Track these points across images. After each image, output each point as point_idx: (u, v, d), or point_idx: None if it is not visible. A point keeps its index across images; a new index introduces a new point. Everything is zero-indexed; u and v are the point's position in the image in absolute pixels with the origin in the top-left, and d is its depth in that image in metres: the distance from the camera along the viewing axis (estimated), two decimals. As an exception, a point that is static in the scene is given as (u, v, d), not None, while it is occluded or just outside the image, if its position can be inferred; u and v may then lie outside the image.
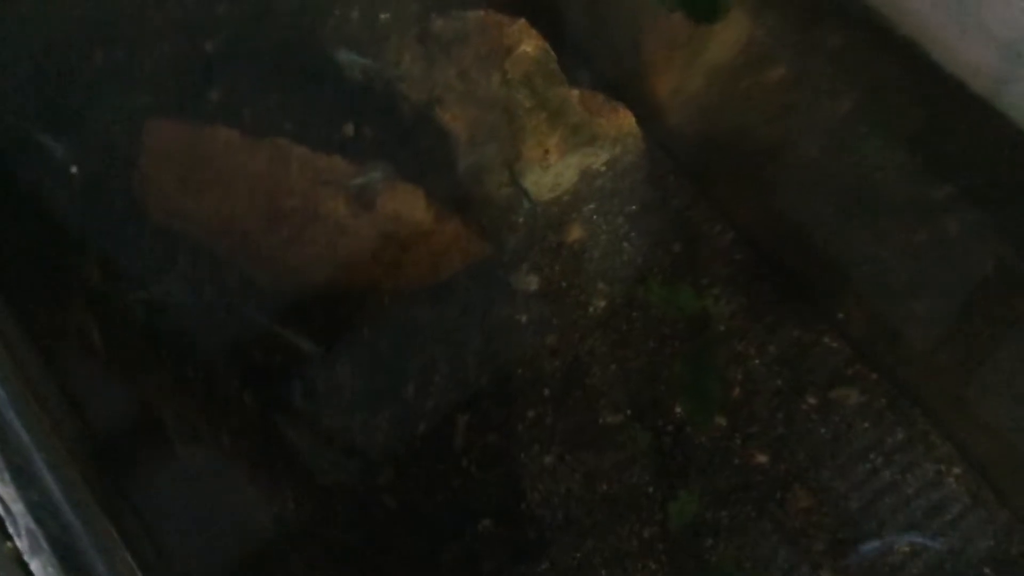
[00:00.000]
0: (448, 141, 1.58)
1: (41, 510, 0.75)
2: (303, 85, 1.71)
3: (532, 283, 1.57)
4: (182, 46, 1.76)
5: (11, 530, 0.74)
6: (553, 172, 1.58)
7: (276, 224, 1.37)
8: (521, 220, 1.61)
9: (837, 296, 1.52)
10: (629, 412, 1.49)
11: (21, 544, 0.74)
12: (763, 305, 1.55)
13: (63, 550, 0.75)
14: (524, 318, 1.57)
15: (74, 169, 1.59)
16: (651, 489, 1.44)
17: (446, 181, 1.61)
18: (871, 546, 1.36)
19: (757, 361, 1.51)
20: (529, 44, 1.41)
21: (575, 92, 1.50)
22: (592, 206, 1.62)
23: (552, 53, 1.44)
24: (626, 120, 1.59)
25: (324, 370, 1.54)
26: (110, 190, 1.67)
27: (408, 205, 1.40)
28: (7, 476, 0.76)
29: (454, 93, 1.50)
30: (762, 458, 1.45)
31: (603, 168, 1.63)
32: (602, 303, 1.57)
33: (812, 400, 1.48)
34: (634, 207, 1.62)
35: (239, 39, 1.76)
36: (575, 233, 1.60)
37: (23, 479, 0.78)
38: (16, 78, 1.71)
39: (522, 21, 1.44)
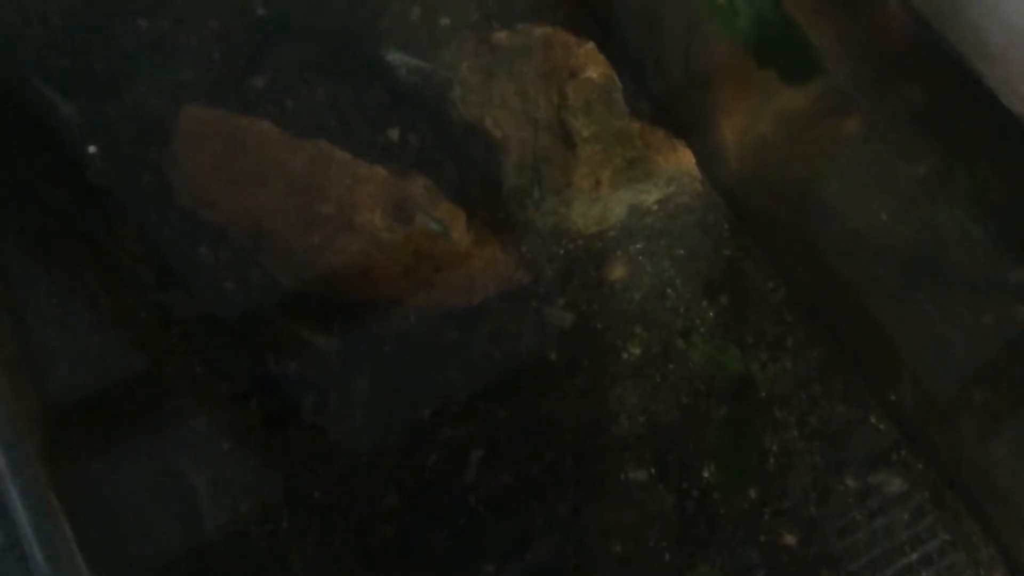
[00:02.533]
0: (496, 159, 1.49)
1: (9, 552, 0.67)
2: (352, 80, 1.63)
3: (567, 319, 1.49)
4: (231, 25, 1.68)
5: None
6: (602, 205, 1.49)
7: (308, 228, 1.30)
8: (562, 252, 1.52)
9: (890, 374, 1.42)
10: (654, 470, 1.40)
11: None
12: (810, 373, 1.46)
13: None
14: (554, 355, 1.48)
15: (93, 149, 1.51)
16: (668, 556, 1.35)
17: (489, 201, 1.53)
18: None
19: (796, 433, 1.42)
20: (595, 70, 1.32)
21: (636, 125, 1.41)
22: (638, 245, 1.53)
23: (617, 82, 1.36)
24: (685, 159, 1.50)
25: (339, 384, 1.46)
26: (138, 166, 1.59)
27: (448, 225, 1.32)
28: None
29: (509, 110, 1.42)
30: (790, 538, 1.36)
31: (654, 206, 1.54)
32: (637, 350, 1.48)
33: (851, 482, 1.39)
34: (683, 251, 1.53)
35: (291, 23, 1.68)
36: (617, 271, 1.51)
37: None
38: (54, 38, 1.64)
39: (590, 45, 1.35)
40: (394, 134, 1.58)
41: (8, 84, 1.62)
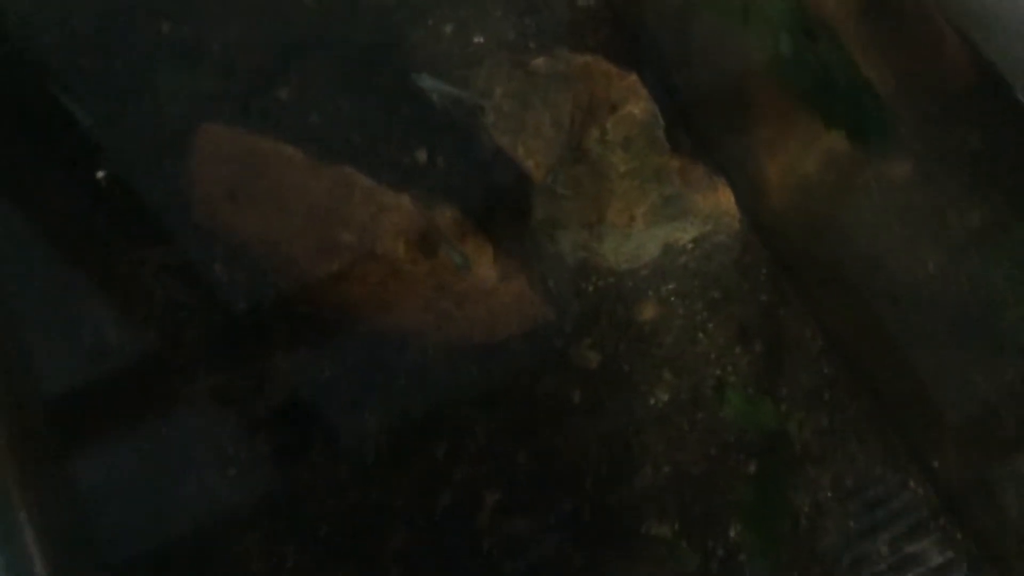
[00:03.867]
0: (527, 189, 1.43)
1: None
2: (380, 97, 1.56)
3: (592, 360, 1.42)
4: (257, 32, 1.62)
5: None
6: (635, 241, 1.42)
7: (327, 255, 1.24)
8: (590, 288, 1.46)
9: (933, 437, 1.35)
10: (678, 525, 1.33)
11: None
12: (847, 430, 1.38)
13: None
14: (577, 397, 1.41)
15: (101, 174, 1.45)
16: (689, 619, 1.29)
17: (516, 231, 1.46)
18: None
19: (830, 493, 1.35)
20: (637, 105, 1.25)
21: (675, 162, 1.34)
22: (671, 285, 1.46)
23: (660, 118, 1.29)
24: (725, 198, 1.43)
25: (351, 417, 1.39)
26: (154, 177, 1.53)
27: (474, 260, 1.25)
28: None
29: (543, 140, 1.35)
30: (819, 606, 1.29)
31: (690, 245, 1.47)
32: (665, 396, 1.41)
33: (884, 549, 1.32)
34: (717, 294, 1.46)
35: (320, 34, 1.62)
36: (648, 312, 1.44)
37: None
38: (72, 39, 1.58)
39: (633, 77, 1.28)
40: (421, 155, 1.51)
41: (23, 85, 1.56)
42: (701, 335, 1.43)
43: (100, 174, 1.43)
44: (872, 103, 1.15)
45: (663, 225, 1.42)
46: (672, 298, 1.45)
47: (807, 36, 1.11)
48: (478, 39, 1.57)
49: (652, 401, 1.40)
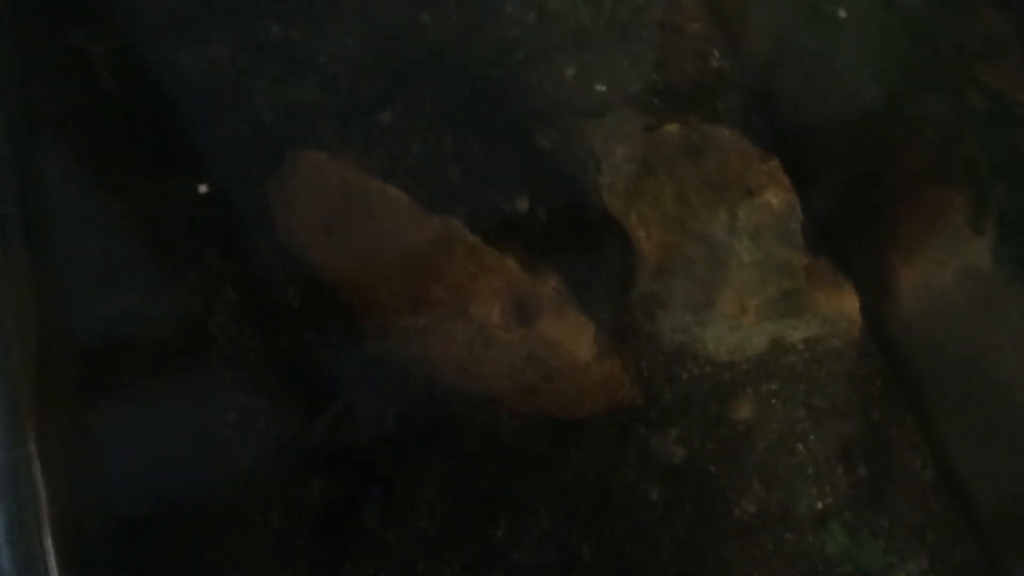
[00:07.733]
0: (632, 260, 1.32)
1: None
2: (487, 135, 1.46)
3: (676, 455, 1.30)
4: (369, 48, 1.53)
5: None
6: (742, 333, 1.31)
7: (416, 308, 1.14)
8: (685, 376, 1.34)
9: (1047, 603, 1.21)
10: (749, 654, 1.22)
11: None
12: (949, 574, 1.25)
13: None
14: (655, 493, 1.30)
15: (203, 188, 1.37)
16: None
17: (614, 303, 1.35)
18: None
19: (922, 648, 1.22)
20: (776, 194, 1.14)
21: (804, 259, 1.22)
22: (773, 386, 1.34)
23: (799, 212, 1.17)
24: (848, 301, 1.31)
25: (410, 478, 1.29)
26: (239, 184, 1.45)
27: (572, 338, 1.14)
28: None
29: (660, 212, 1.24)
30: None
31: (800, 345, 1.34)
32: (752, 507, 1.29)
33: None
34: (823, 403, 1.33)
35: (434, 58, 1.52)
36: (743, 411, 1.32)
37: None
38: (176, 30, 1.50)
39: (775, 162, 1.17)
40: (523, 204, 1.41)
41: (120, 64, 1.49)
42: (800, 446, 1.31)
43: (202, 188, 1.35)
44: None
45: (775, 320, 1.30)
46: (772, 400, 1.33)
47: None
48: (600, 87, 1.46)
49: (737, 511, 1.28)
